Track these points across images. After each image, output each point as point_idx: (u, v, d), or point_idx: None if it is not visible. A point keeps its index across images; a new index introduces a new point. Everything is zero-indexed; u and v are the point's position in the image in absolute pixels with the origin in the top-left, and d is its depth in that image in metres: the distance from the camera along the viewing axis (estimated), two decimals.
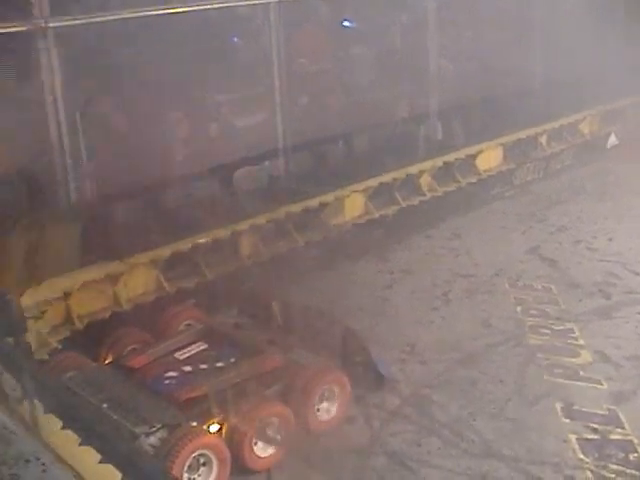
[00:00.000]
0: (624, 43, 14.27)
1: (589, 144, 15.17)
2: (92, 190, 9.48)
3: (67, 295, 8.45)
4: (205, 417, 7.09)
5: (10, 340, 7.32)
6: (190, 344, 8.09)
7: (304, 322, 8.54)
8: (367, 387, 8.19)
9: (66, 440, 5.62)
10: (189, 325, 8.79)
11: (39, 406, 6.14)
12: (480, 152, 13.03)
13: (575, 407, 7.99)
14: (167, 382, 7.48)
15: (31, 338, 7.90)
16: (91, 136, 9.21)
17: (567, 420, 7.81)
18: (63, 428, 6.38)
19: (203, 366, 7.71)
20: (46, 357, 8.06)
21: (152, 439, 6.72)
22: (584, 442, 7.48)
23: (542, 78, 14.59)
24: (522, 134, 13.70)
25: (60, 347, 8.23)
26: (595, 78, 14.26)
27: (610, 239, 11.95)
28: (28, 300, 8.02)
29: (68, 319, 8.50)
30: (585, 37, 13.77)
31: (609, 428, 7.65)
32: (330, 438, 7.60)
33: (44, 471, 4.45)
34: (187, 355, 7.91)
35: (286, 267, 10.00)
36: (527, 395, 8.24)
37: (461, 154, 12.73)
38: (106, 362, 8.23)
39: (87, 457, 5.35)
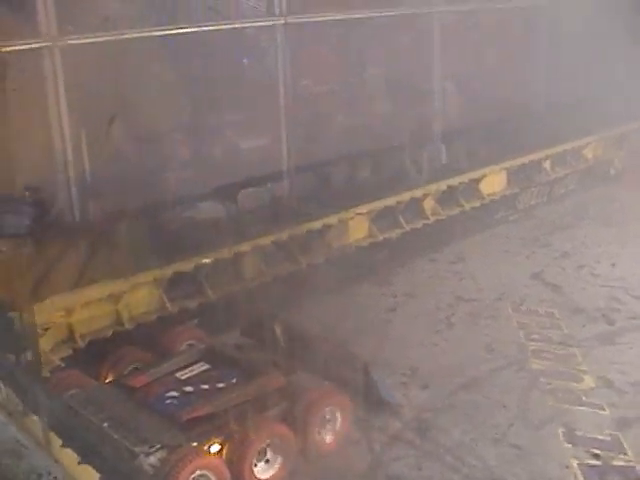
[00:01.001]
0: (628, 68, 14.30)
1: (593, 169, 15.18)
2: (95, 209, 9.48)
3: (69, 313, 8.43)
4: (206, 437, 7.05)
5: (12, 357, 7.34)
6: (192, 364, 8.07)
7: (306, 345, 8.51)
8: (369, 410, 8.16)
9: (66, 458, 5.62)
10: (191, 345, 8.78)
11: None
12: (484, 176, 13.03)
13: (578, 432, 7.96)
14: (168, 402, 7.45)
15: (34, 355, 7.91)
16: (94, 155, 9.21)
17: (569, 445, 7.78)
18: (62, 446, 6.38)
19: (204, 386, 7.68)
20: (48, 375, 8.05)
21: (152, 459, 6.69)
22: (586, 468, 7.44)
23: (546, 102, 14.62)
24: (526, 159, 13.71)
25: (62, 365, 8.22)
26: (599, 103, 14.29)
27: (613, 264, 11.94)
28: (31, 317, 8.01)
29: (70, 337, 8.49)
30: (591, 61, 13.83)
31: (611, 454, 7.62)
32: (331, 461, 7.57)
33: None
34: (188, 375, 7.89)
35: (289, 289, 9.98)
36: (530, 420, 8.20)
37: (465, 178, 12.73)
38: (107, 381, 8.22)
39: (86, 476, 5.34)
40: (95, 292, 8.65)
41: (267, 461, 7.32)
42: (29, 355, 7.90)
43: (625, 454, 7.62)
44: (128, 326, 8.86)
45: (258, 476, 7.25)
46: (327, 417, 7.76)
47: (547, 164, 14.24)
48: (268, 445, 7.29)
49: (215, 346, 8.51)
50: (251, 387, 7.62)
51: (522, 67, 14.50)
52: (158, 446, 6.78)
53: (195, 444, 6.97)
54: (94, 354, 8.50)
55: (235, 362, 8.09)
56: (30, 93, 8.68)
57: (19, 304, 7.89)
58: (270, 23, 10.86)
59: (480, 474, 7.38)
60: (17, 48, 8.43)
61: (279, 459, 7.36)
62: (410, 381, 8.87)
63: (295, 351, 8.46)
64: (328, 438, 7.79)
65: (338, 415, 7.82)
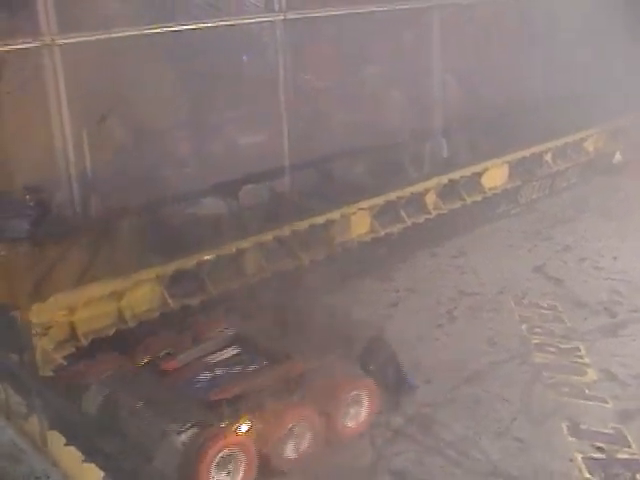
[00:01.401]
0: (629, 60, 14.27)
1: (594, 162, 15.16)
2: (96, 207, 9.48)
3: (72, 311, 8.44)
4: (235, 417, 7.23)
5: (15, 356, 7.36)
6: (222, 349, 8.35)
7: (336, 330, 8.64)
8: (396, 395, 8.33)
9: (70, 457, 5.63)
10: (221, 331, 8.92)
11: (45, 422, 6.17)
12: (485, 170, 13.02)
13: (581, 426, 7.97)
14: (199, 384, 7.77)
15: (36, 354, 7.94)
16: (96, 152, 9.22)
17: (573, 439, 7.79)
18: (67, 445, 6.39)
19: (234, 370, 7.98)
20: (49, 373, 8.08)
21: (183, 437, 6.96)
22: (590, 461, 7.46)
23: (547, 95, 14.59)
24: (527, 152, 13.69)
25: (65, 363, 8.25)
26: (600, 95, 14.26)
27: (615, 257, 11.93)
28: (33, 317, 8.03)
29: (73, 335, 8.50)
30: (590, 54, 13.82)
31: (615, 447, 7.63)
32: (334, 456, 7.58)
33: None
34: (219, 359, 8.19)
35: (291, 284, 9.98)
36: (533, 414, 8.21)
37: (467, 172, 12.72)
38: (142, 364, 8.42)
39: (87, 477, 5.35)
40: (97, 290, 8.66)
41: (294, 442, 7.49)
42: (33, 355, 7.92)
43: (629, 447, 7.63)
44: (131, 324, 8.87)
45: (285, 456, 7.43)
46: (353, 401, 7.91)
47: (548, 157, 14.22)
48: (294, 426, 7.46)
49: (244, 332, 8.70)
50: (279, 370, 7.85)
51: (523, 60, 14.46)
52: (189, 425, 7.01)
53: (224, 423, 7.15)
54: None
55: (264, 347, 8.31)
56: (30, 92, 8.68)
57: (20, 304, 7.91)
58: (269, 19, 10.86)
59: (483, 468, 7.40)
60: (17, 47, 8.43)
61: (305, 440, 7.54)
62: (412, 376, 8.86)
63: (324, 337, 8.54)
64: (354, 421, 7.92)
65: (366, 400, 7.97)
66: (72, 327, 8.50)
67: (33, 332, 7.92)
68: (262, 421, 7.27)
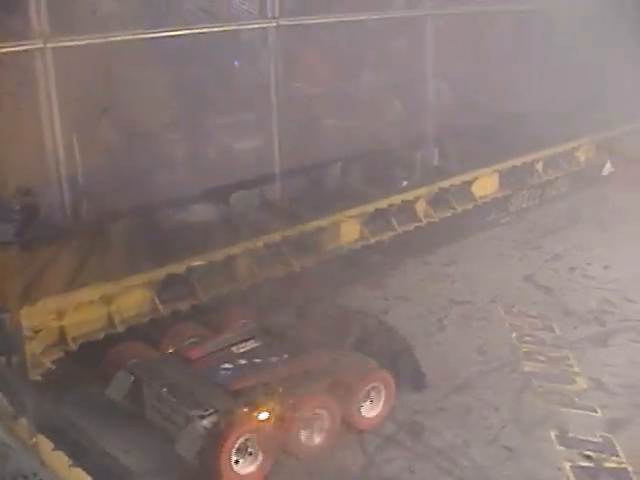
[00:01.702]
0: (620, 71, 14.33)
1: (585, 172, 15.20)
2: (87, 211, 9.46)
3: (61, 315, 8.41)
4: (255, 405, 7.37)
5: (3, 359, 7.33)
6: (246, 340, 8.48)
7: (353, 325, 8.87)
8: (411, 387, 8.60)
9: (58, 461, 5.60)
10: (245, 323, 9.09)
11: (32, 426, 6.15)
12: (476, 179, 13.03)
13: (570, 434, 7.97)
14: (222, 372, 7.93)
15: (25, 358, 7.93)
16: (87, 156, 9.20)
17: (562, 447, 7.79)
18: (54, 449, 6.36)
19: (257, 360, 8.12)
20: (38, 377, 8.06)
21: (205, 422, 7.18)
22: (578, 470, 7.46)
23: (539, 105, 14.63)
24: (518, 161, 13.72)
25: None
26: (592, 106, 14.32)
27: (605, 267, 11.95)
28: (22, 320, 8.00)
29: (62, 340, 8.47)
30: (582, 65, 13.87)
31: (604, 456, 7.63)
32: (324, 462, 7.56)
33: None
34: (243, 350, 8.32)
35: (281, 291, 9.97)
36: (522, 422, 8.20)
37: (457, 180, 12.73)
38: (168, 352, 8.58)
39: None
40: (87, 295, 8.64)
41: (312, 430, 7.65)
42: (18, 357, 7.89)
43: (617, 456, 7.63)
44: (120, 329, 8.86)
45: (303, 442, 7.60)
46: (371, 394, 8.06)
47: (539, 166, 14.25)
48: (313, 416, 7.63)
49: (267, 325, 8.89)
50: (300, 362, 8.03)
51: (515, 70, 14.51)
52: (211, 410, 7.27)
53: (245, 410, 7.29)
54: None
55: (287, 339, 8.50)
56: (21, 95, 8.66)
57: (8, 307, 7.89)
58: (262, 25, 10.86)
59: (472, 476, 7.39)
60: (8, 50, 8.40)
61: (324, 430, 7.69)
62: (402, 383, 8.84)
63: (342, 330, 8.76)
64: (372, 412, 8.09)
65: (382, 391, 8.13)
66: (61, 331, 8.48)
67: (22, 335, 7.89)
68: (281, 409, 7.42)
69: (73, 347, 8.49)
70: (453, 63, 13.38)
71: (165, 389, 7.67)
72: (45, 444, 6.28)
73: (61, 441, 6.02)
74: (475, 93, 13.60)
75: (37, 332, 8.17)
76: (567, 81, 14.04)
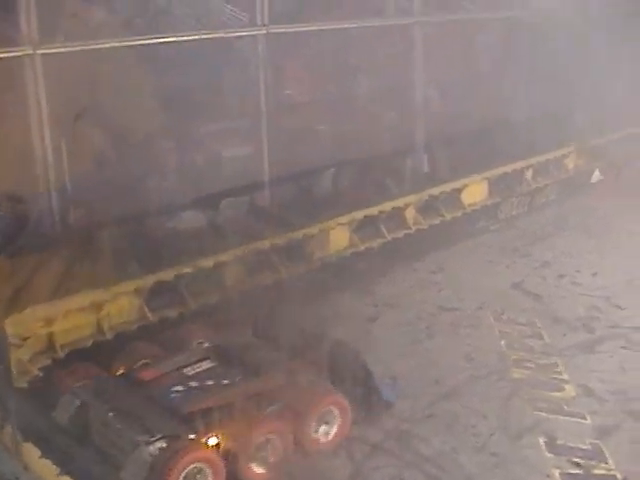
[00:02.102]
0: (609, 80, 14.41)
1: (574, 179, 15.25)
2: (76, 219, 9.45)
3: (50, 323, 8.39)
4: (205, 430, 7.22)
5: None
6: (199, 361, 8.27)
7: (310, 346, 8.63)
8: (369, 411, 8.28)
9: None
10: (200, 343, 8.85)
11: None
12: (465, 186, 13.06)
13: (559, 441, 7.98)
14: (173, 395, 7.66)
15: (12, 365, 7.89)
16: (76, 163, 9.19)
17: (551, 455, 7.79)
18: (41, 457, 6.34)
19: (209, 382, 7.89)
20: (24, 385, 8.02)
21: (151, 448, 6.93)
22: (567, 477, 7.47)
23: (527, 113, 14.68)
24: (507, 168, 13.75)
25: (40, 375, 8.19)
26: (580, 114, 14.38)
27: (594, 274, 11.98)
28: (9, 327, 7.98)
29: (50, 347, 8.44)
30: (571, 73, 13.92)
31: (593, 463, 7.64)
32: (311, 470, 7.55)
33: None
34: (195, 371, 8.10)
35: (270, 298, 9.95)
36: (511, 429, 8.20)
37: (446, 188, 12.76)
38: (117, 374, 8.40)
39: None
40: (76, 302, 8.61)
41: (263, 457, 7.45)
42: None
43: (606, 463, 7.64)
44: (108, 336, 8.83)
45: (253, 470, 7.40)
46: (325, 417, 7.88)
47: (528, 174, 14.28)
48: (265, 441, 7.44)
49: (223, 344, 8.64)
50: (253, 384, 7.82)
51: (504, 78, 14.57)
52: (159, 436, 7.00)
53: (193, 436, 7.15)
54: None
55: (241, 360, 8.24)
56: (10, 100, 8.66)
57: None
58: (252, 33, 10.88)
59: None
60: None
61: (275, 454, 7.51)
62: (391, 390, 8.84)
63: (299, 351, 8.56)
64: (325, 437, 7.89)
65: (336, 415, 7.94)
66: (49, 338, 8.44)
67: (9, 343, 7.86)
68: (231, 435, 7.27)
69: (61, 354, 8.46)
70: (443, 71, 13.41)
71: (111, 413, 7.39)
72: (32, 452, 6.27)
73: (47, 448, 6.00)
74: (465, 101, 13.63)
75: (25, 339, 8.13)
76: (556, 88, 14.10)
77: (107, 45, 9.26)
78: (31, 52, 8.68)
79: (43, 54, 8.76)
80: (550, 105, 14.27)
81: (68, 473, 6.61)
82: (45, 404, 7.87)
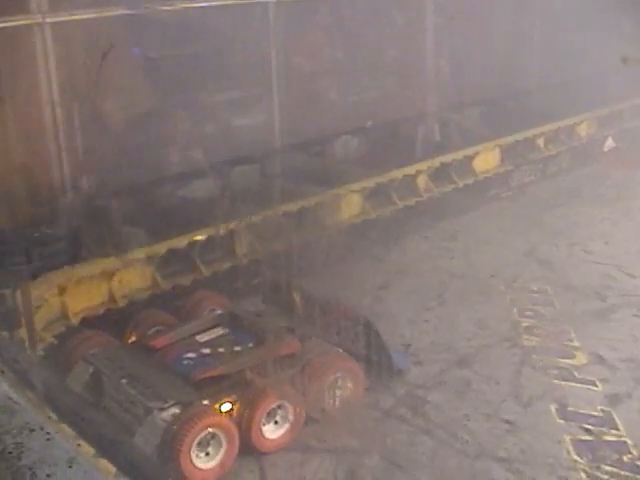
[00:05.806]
0: (623, 47, 14.26)
1: (586, 147, 15.18)
2: (89, 186, 9.46)
3: (62, 290, 8.43)
4: (217, 397, 7.26)
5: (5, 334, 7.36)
6: (211, 328, 8.31)
7: (324, 313, 8.67)
8: (380, 378, 8.31)
9: None
10: (212, 310, 8.91)
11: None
12: (477, 153, 13.02)
13: (570, 408, 7.98)
14: (185, 362, 7.71)
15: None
16: (88, 132, 9.18)
17: (562, 421, 7.80)
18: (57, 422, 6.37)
19: (221, 349, 7.92)
20: (41, 353, 8.08)
21: (165, 414, 6.97)
22: (578, 443, 7.46)
23: (540, 81, 14.59)
24: (520, 136, 13.69)
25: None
26: (593, 81, 14.27)
27: (606, 242, 11.94)
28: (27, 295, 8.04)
29: (63, 315, 8.50)
30: (583, 40, 13.80)
31: (603, 429, 7.64)
32: (321, 437, 7.58)
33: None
34: (207, 338, 8.14)
35: (282, 266, 9.97)
36: (522, 396, 8.21)
37: (458, 155, 12.72)
38: (130, 341, 8.47)
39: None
40: (88, 270, 8.65)
41: (276, 422, 7.47)
42: (22, 332, 7.90)
43: (617, 429, 7.64)
44: (121, 304, 8.88)
45: (266, 436, 7.42)
46: (337, 383, 7.89)
47: (541, 142, 14.23)
48: (277, 407, 7.45)
49: (235, 312, 8.64)
50: (265, 351, 7.81)
51: (516, 45, 14.45)
52: (172, 402, 7.04)
53: (206, 402, 7.18)
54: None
55: (252, 327, 8.26)
56: (20, 69, 8.64)
57: (13, 281, 7.90)
58: (263, 0, 10.81)
59: (472, 449, 7.40)
60: (6, 25, 8.37)
61: (287, 422, 7.52)
62: (404, 358, 8.87)
63: (312, 318, 8.64)
64: (339, 402, 7.91)
65: (348, 382, 7.96)
66: (63, 306, 8.49)
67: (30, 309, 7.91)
68: (244, 401, 7.31)
69: (74, 322, 8.52)
70: (455, 39, 13.32)
71: (125, 380, 7.43)
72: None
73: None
74: (477, 69, 13.54)
75: (38, 307, 8.17)
76: (569, 56, 13.99)
77: (117, 13, 9.22)
78: (40, 20, 8.64)
79: (52, 22, 8.72)
80: (564, 72, 14.16)
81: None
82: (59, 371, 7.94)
